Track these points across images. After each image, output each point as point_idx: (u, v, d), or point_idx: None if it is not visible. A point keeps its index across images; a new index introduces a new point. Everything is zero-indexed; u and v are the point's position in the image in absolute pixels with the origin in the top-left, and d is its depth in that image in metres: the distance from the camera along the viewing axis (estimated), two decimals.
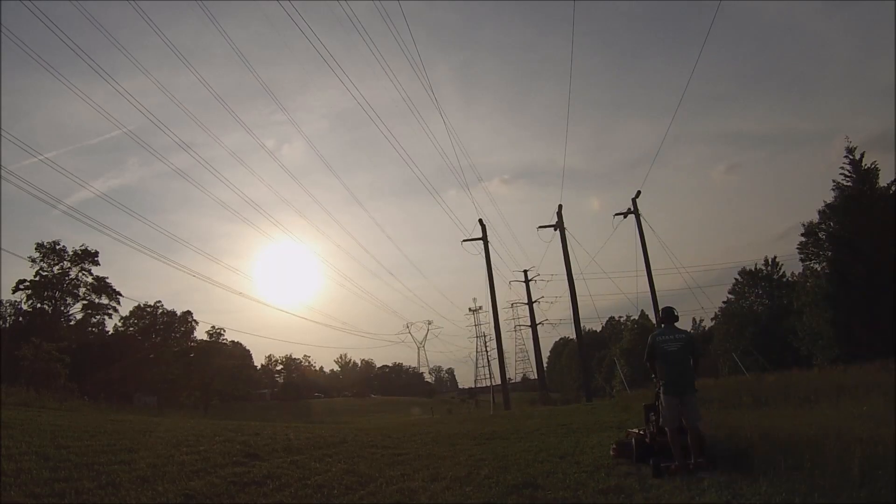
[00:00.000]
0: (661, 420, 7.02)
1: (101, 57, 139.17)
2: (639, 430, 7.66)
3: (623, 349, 64.09)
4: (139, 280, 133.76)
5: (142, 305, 64.92)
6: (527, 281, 47.22)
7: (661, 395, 6.87)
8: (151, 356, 57.98)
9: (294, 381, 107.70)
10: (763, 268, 45.47)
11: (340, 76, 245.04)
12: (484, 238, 34.16)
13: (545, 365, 75.04)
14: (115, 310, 59.10)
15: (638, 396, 19.61)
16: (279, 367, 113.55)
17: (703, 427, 6.93)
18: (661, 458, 6.50)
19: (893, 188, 30.19)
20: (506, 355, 37.29)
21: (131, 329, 63.70)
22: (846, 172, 31.37)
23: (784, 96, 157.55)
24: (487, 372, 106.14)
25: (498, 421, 16.54)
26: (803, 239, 35.99)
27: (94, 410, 18.35)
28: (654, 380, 7.18)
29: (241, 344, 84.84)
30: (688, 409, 6.58)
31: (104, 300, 57.61)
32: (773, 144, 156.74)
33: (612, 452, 7.72)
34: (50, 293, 54.57)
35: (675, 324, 7.06)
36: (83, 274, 55.90)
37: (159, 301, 67.01)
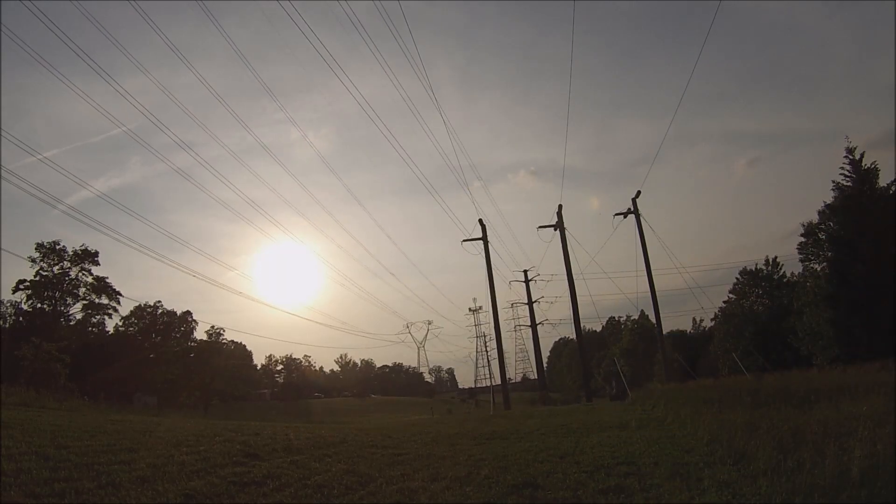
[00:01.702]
0: (615, 387, 35.81)
1: (101, 56, 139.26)
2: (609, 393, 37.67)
3: (623, 349, 64.23)
4: (139, 280, 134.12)
5: (142, 305, 64.92)
6: (527, 281, 47.23)
7: (615, 381, 37.37)
8: (151, 356, 57.95)
9: (294, 381, 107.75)
10: (763, 268, 45.47)
11: (341, 76, 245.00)
12: (484, 238, 34.16)
13: (545, 365, 75.07)
14: (115, 310, 59.07)
15: (637, 396, 19.61)
16: (279, 367, 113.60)
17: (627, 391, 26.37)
18: (616, 399, 29.02)
19: (893, 188, 30.16)
20: (506, 355, 37.33)
21: (131, 329, 63.64)
22: (846, 172, 31.34)
23: (785, 96, 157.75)
24: (487, 372, 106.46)
25: (498, 421, 16.51)
26: (803, 239, 36.03)
27: (94, 410, 18.29)
28: (614, 380, 39.79)
29: (241, 344, 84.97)
30: (621, 387, 30.20)
31: (104, 300, 57.54)
32: (773, 144, 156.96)
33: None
34: (50, 293, 54.49)
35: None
36: (83, 274, 55.86)
37: (159, 301, 67.03)
